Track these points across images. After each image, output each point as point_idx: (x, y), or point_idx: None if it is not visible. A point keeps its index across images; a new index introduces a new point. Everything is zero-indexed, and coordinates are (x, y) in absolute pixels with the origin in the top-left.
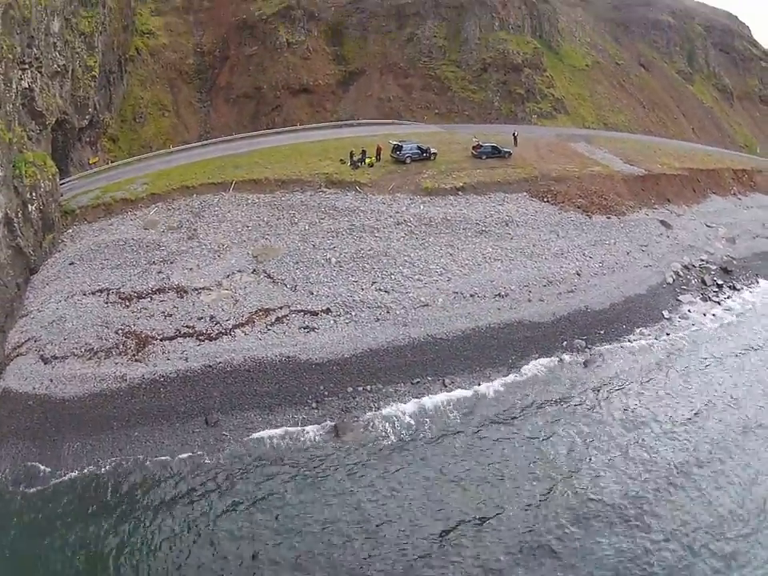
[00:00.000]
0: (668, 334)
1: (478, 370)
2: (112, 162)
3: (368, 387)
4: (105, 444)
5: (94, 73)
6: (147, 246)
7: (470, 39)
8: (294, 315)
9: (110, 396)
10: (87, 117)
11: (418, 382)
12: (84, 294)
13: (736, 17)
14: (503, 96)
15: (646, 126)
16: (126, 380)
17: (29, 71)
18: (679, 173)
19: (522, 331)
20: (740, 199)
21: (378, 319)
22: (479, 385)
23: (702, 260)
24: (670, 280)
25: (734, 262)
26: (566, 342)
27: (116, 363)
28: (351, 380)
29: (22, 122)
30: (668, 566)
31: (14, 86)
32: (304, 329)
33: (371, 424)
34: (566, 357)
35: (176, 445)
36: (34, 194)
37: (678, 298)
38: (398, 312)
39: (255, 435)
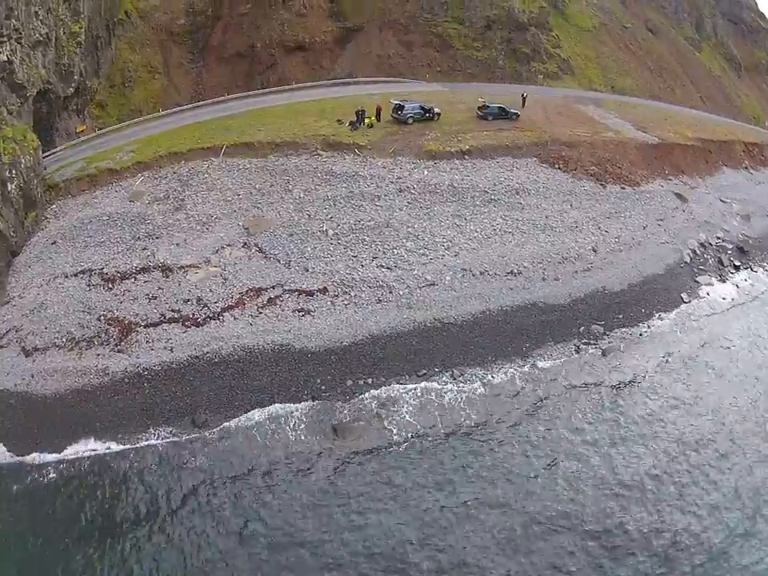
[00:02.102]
0: (688, 320)
1: (490, 360)
2: (100, 130)
3: (369, 380)
4: (87, 449)
5: (79, 39)
6: (132, 221)
7: None
8: (287, 296)
9: (91, 392)
10: (73, 85)
11: (425, 374)
12: (66, 277)
13: None
14: (508, 55)
15: (653, 91)
16: (108, 374)
17: (7, 44)
18: (692, 143)
19: (536, 315)
20: (752, 174)
21: (380, 300)
22: (491, 377)
23: (719, 238)
24: (687, 259)
25: (750, 242)
26: (582, 328)
27: (98, 354)
28: (351, 372)
29: (1, 97)
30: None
31: None
32: (298, 312)
33: (373, 424)
34: (584, 345)
35: (163, 449)
36: (13, 172)
37: (696, 279)
38: (401, 292)
39: (246, 437)
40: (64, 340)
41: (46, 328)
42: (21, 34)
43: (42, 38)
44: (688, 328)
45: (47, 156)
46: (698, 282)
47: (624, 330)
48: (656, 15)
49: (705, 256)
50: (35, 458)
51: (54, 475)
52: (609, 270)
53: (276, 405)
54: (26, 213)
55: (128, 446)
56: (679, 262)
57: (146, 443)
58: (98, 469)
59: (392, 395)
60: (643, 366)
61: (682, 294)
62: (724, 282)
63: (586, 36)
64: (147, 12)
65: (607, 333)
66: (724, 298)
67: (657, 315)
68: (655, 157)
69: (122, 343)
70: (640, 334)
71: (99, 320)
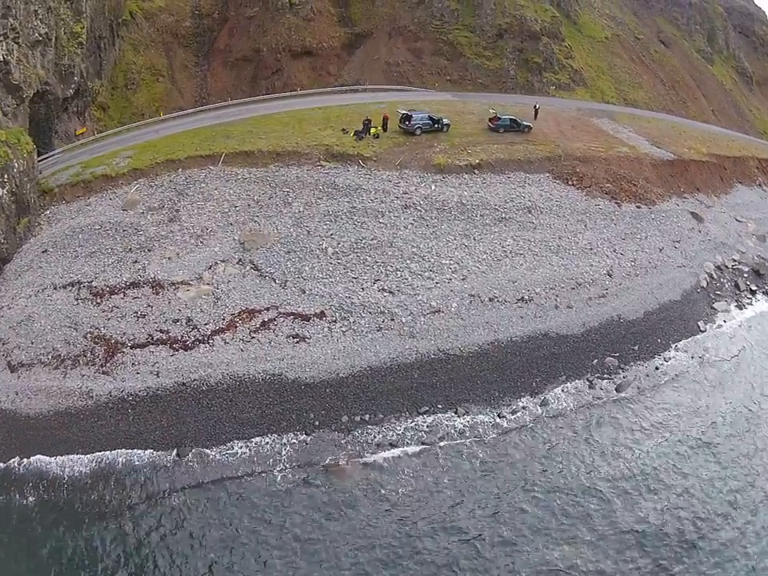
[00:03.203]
0: (705, 352)
1: (497, 396)
2: (100, 133)
3: (366, 417)
4: (67, 474)
5: (80, 39)
6: (124, 231)
7: (485, 3)
8: (282, 319)
9: (75, 416)
10: (73, 86)
11: (427, 411)
12: (55, 288)
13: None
14: (519, 64)
15: (665, 105)
16: (92, 397)
17: (4, 43)
18: (707, 159)
19: (547, 346)
20: (765, 191)
21: (381, 328)
22: (498, 416)
23: (735, 260)
24: (704, 283)
25: (766, 264)
26: (596, 361)
27: (82, 375)
28: (347, 407)
29: None
30: None
31: None
32: (293, 338)
33: (369, 465)
34: (597, 379)
35: (145, 481)
36: (5, 176)
37: (713, 305)
38: (404, 319)
39: (233, 474)
40: (49, 357)
41: (32, 343)
42: (18, 33)
43: (41, 38)
44: (705, 361)
45: (44, 159)
46: (714, 309)
47: (639, 362)
48: (668, 27)
49: (721, 280)
50: (14, 476)
51: (33, 498)
52: (624, 296)
53: (266, 440)
54: (18, 218)
55: (109, 476)
56: (696, 287)
57: (129, 474)
58: (77, 495)
59: (391, 434)
60: (659, 404)
61: (698, 323)
62: (741, 308)
63: (599, 47)
64: (152, 13)
65: (622, 366)
66: (740, 326)
67: (673, 346)
68: (671, 174)
69: (108, 364)
70: (656, 368)
71: (86, 337)
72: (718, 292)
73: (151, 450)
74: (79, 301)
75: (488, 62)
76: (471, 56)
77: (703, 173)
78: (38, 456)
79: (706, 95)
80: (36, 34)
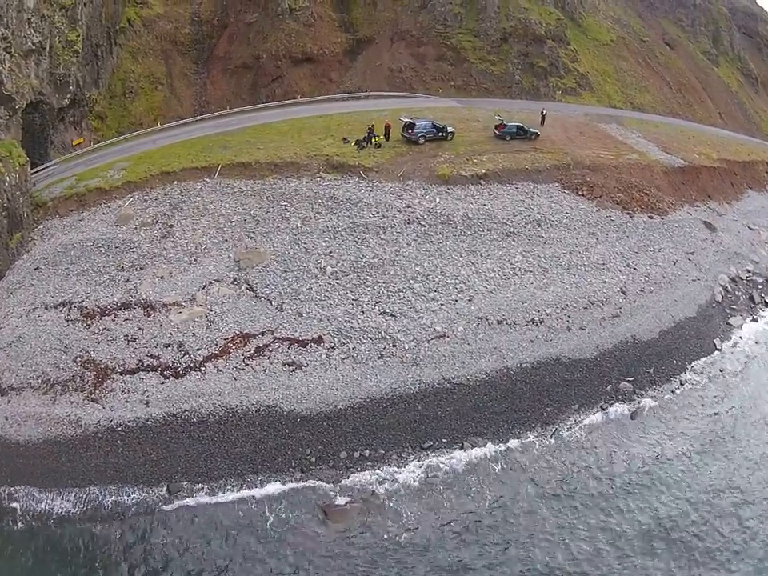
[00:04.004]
0: (721, 373)
1: (506, 428)
2: (98, 143)
3: (366, 453)
4: (55, 506)
5: (76, 48)
6: (117, 248)
7: (489, 7)
8: (277, 345)
9: (64, 445)
10: (68, 95)
11: (431, 446)
12: (46, 308)
13: (754, 0)
14: (524, 69)
15: (672, 108)
16: (81, 425)
17: None
18: (718, 165)
19: (559, 372)
20: None
21: (382, 355)
22: (507, 450)
23: (748, 271)
24: (719, 297)
25: None
26: (610, 386)
27: (72, 402)
28: (345, 441)
29: None
30: None
31: None
32: (289, 365)
33: (369, 505)
34: (611, 407)
35: (133, 517)
36: None
37: (729, 321)
38: (406, 346)
39: (224, 512)
40: (39, 381)
41: (22, 365)
42: (10, 42)
43: (34, 47)
44: (722, 384)
45: (39, 171)
46: (730, 325)
47: (655, 386)
48: (673, 29)
49: (736, 293)
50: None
51: (21, 527)
52: (639, 315)
53: (259, 477)
54: (10, 234)
55: (97, 510)
56: (711, 302)
57: (117, 508)
58: (66, 530)
59: (392, 471)
60: (675, 432)
61: (714, 340)
62: (756, 321)
63: (604, 50)
64: (151, 20)
65: (637, 391)
66: (757, 342)
67: (689, 367)
68: (682, 182)
69: (97, 391)
70: (672, 391)
71: (75, 361)
72: (733, 306)
73: (141, 485)
74: (70, 322)
75: (493, 67)
76: (475, 61)
77: (714, 179)
78: (26, 486)
79: (712, 98)
80: (29, 43)
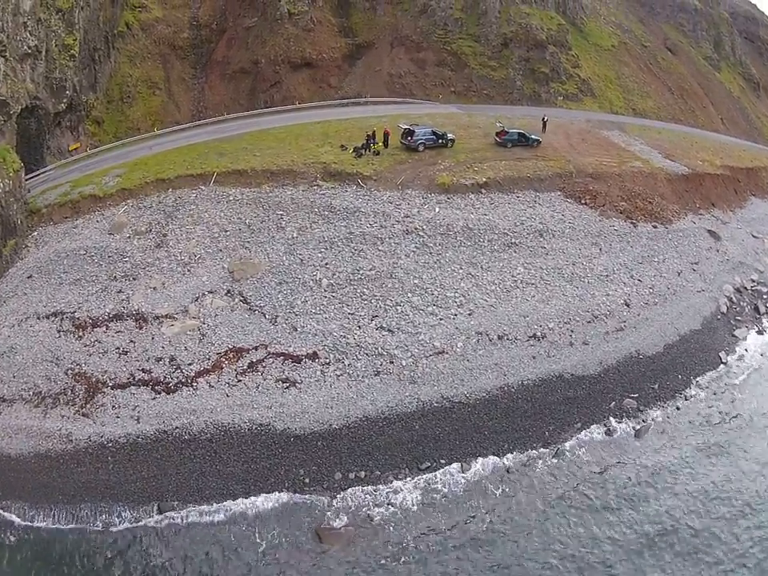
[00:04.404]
0: (728, 388)
1: (507, 448)
2: (95, 148)
3: (362, 474)
4: (46, 521)
5: (72, 52)
6: (110, 257)
7: (490, 12)
8: (271, 360)
9: (55, 459)
10: (65, 100)
11: (428, 467)
12: (38, 318)
13: (755, 4)
14: (526, 75)
15: (674, 114)
16: (71, 440)
17: None
18: (721, 172)
19: (561, 389)
20: None
21: (379, 372)
22: (507, 471)
23: (753, 280)
24: (724, 308)
25: None
26: (614, 403)
27: (62, 416)
28: (340, 462)
29: None
30: None
31: None
32: (282, 382)
33: (364, 528)
34: (615, 424)
35: (123, 535)
36: None
37: (734, 333)
38: (404, 362)
39: (214, 535)
40: (30, 393)
41: (14, 377)
42: (5, 46)
43: (30, 51)
44: (728, 399)
45: (34, 177)
46: (735, 337)
47: (659, 403)
48: (675, 34)
49: (741, 304)
50: None
51: (13, 539)
52: (643, 328)
53: (251, 498)
54: (4, 241)
55: (87, 526)
56: (716, 314)
57: (107, 526)
58: (55, 546)
59: (388, 493)
60: (680, 451)
61: (720, 354)
62: (762, 333)
63: (606, 55)
64: (149, 24)
65: (641, 408)
66: (762, 355)
67: (695, 382)
68: (686, 189)
69: (88, 405)
70: (677, 408)
71: (66, 374)
72: (738, 317)
73: (131, 503)
74: (61, 333)
75: (493, 73)
76: (476, 66)
77: (718, 186)
78: (18, 501)
79: (714, 103)
80: (25, 47)
